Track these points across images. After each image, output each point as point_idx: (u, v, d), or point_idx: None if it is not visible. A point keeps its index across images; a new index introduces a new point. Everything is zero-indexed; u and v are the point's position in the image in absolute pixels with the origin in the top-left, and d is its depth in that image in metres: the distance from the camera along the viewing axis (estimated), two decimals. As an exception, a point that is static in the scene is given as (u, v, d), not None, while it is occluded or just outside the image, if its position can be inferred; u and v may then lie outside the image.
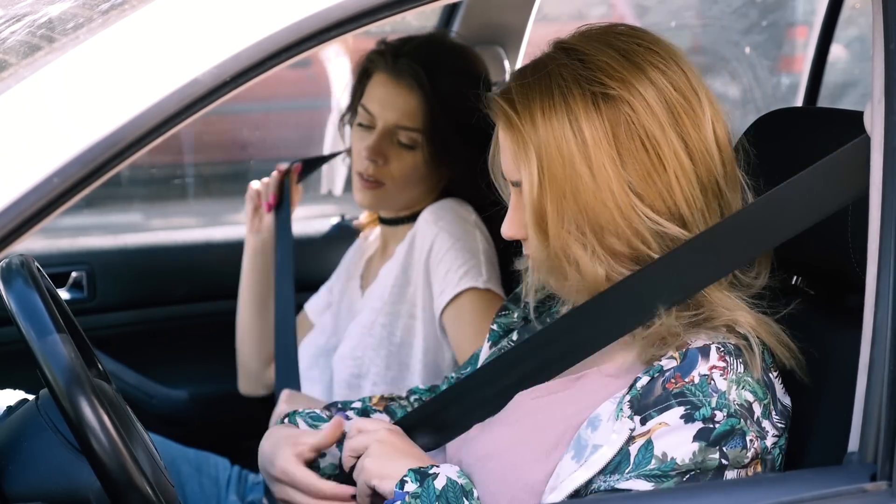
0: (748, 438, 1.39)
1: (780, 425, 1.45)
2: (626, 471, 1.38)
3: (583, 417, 1.47)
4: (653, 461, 1.38)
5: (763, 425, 1.42)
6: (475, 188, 1.81)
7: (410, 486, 1.46)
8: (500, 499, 1.49)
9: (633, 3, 6.44)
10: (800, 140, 1.66)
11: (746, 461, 1.40)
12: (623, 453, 1.40)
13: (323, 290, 2.59)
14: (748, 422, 1.40)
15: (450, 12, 2.88)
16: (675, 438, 1.38)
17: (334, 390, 2.39)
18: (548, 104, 1.46)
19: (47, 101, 1.24)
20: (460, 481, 1.47)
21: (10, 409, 1.63)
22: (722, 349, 1.43)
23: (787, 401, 1.48)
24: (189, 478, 2.43)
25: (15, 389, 1.97)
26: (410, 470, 1.48)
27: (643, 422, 1.40)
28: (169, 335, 2.93)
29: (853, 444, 1.36)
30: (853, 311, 1.45)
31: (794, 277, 1.67)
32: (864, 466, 1.33)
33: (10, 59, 1.38)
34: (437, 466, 1.48)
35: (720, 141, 1.49)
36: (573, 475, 1.41)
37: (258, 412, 2.87)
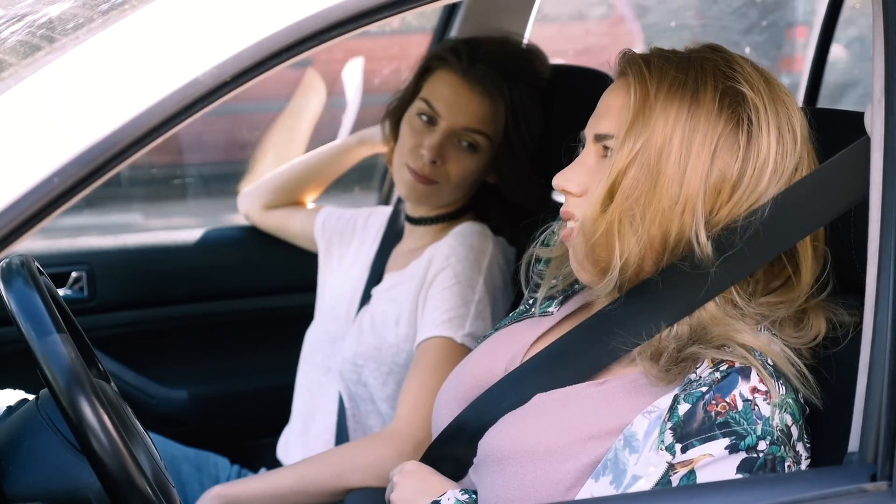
0: (786, 464, 1.39)
1: (808, 445, 1.44)
2: None
3: (607, 427, 1.45)
4: None
5: (797, 449, 1.41)
6: (514, 195, 1.82)
7: None
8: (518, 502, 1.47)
9: (633, 3, 6.44)
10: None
11: None
12: (662, 484, 1.38)
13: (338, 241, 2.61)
14: (787, 447, 1.39)
15: (450, 12, 2.88)
16: (719, 470, 1.37)
17: (331, 380, 2.40)
18: (678, 86, 1.47)
19: (47, 101, 1.24)
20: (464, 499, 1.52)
21: (10, 409, 1.63)
22: (764, 371, 1.40)
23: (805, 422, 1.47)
24: (189, 477, 2.43)
25: (15, 389, 1.97)
26: None
27: (684, 450, 1.38)
28: (169, 335, 2.93)
29: (853, 444, 1.36)
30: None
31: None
32: (864, 466, 1.33)
33: (10, 59, 1.38)
34: (444, 494, 1.55)
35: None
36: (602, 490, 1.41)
37: (258, 412, 2.88)
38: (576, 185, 1.53)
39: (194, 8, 1.27)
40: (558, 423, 1.49)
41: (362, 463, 2.09)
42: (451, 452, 1.63)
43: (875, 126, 1.37)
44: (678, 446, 1.38)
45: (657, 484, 1.38)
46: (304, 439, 2.45)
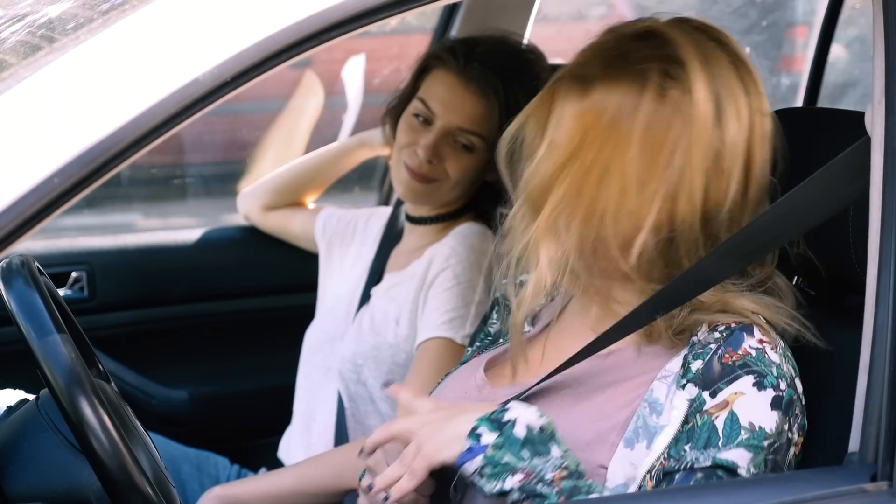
0: (797, 411, 1.43)
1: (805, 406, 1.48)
2: (720, 443, 1.38)
3: (622, 388, 1.47)
4: (742, 432, 1.39)
5: (803, 402, 1.46)
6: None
7: (488, 437, 1.37)
8: None
9: (633, 3, 6.44)
10: (800, 140, 1.66)
11: (797, 436, 1.43)
12: (708, 427, 1.39)
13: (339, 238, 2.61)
14: (797, 395, 1.44)
15: (450, 12, 2.88)
16: (756, 407, 1.40)
17: (331, 380, 2.40)
18: (627, 90, 1.45)
19: (47, 102, 1.24)
20: (541, 423, 1.39)
21: (10, 409, 1.63)
22: (763, 327, 1.46)
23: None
24: (189, 477, 2.43)
25: (15, 389, 1.97)
26: (481, 419, 1.38)
27: (713, 394, 1.41)
28: (169, 335, 2.93)
29: (853, 444, 1.36)
30: (854, 312, 1.45)
31: (795, 278, 1.67)
32: (864, 466, 1.33)
33: (10, 59, 1.38)
34: (508, 409, 1.39)
35: (752, 151, 1.49)
36: (644, 461, 1.42)
37: (258, 412, 2.88)
38: None
39: (194, 8, 1.27)
40: (580, 390, 1.50)
41: (362, 463, 2.09)
42: None
43: (875, 126, 1.37)
44: (706, 393, 1.41)
45: (686, 418, 1.40)
46: (306, 440, 2.45)
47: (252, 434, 2.85)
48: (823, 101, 3.21)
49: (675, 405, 1.43)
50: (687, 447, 1.40)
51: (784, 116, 1.81)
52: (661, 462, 1.41)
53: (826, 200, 1.44)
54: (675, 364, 1.46)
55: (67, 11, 1.43)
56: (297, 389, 2.53)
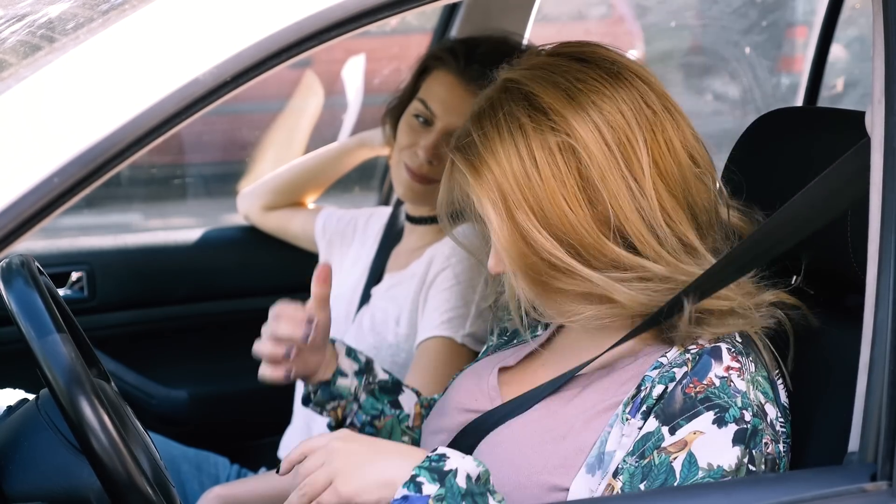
0: (764, 441, 1.40)
1: (784, 429, 1.45)
2: (675, 483, 1.36)
3: (588, 416, 1.47)
4: (700, 472, 1.37)
5: (776, 428, 1.43)
6: None
7: (430, 488, 1.32)
8: (505, 482, 1.46)
9: (633, 2, 6.45)
10: (799, 140, 1.66)
11: (765, 464, 1.40)
12: (665, 468, 1.37)
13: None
14: (764, 424, 1.41)
15: (450, 12, 2.88)
16: (715, 446, 1.37)
17: None
18: (510, 150, 1.46)
19: (47, 102, 1.24)
20: (478, 472, 1.36)
21: (10, 409, 1.63)
22: (732, 350, 1.43)
23: (785, 401, 1.48)
24: (189, 477, 2.43)
25: (15, 389, 1.97)
26: (419, 467, 1.34)
27: (672, 431, 1.39)
28: (169, 335, 2.93)
29: (853, 444, 1.36)
30: (853, 311, 1.45)
31: (794, 277, 1.67)
32: (864, 466, 1.33)
33: (10, 59, 1.38)
34: (446, 458, 1.35)
35: (678, 159, 1.47)
36: (599, 487, 1.41)
37: (258, 412, 2.88)
38: (501, 266, 1.54)
39: (194, 8, 1.27)
40: (552, 413, 1.51)
41: None
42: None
43: (875, 126, 1.37)
44: (665, 428, 1.39)
45: (643, 452, 1.38)
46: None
47: (252, 434, 2.85)
48: (823, 102, 3.21)
49: (624, 432, 1.42)
50: (642, 486, 1.38)
51: (784, 116, 1.82)
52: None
53: (827, 205, 1.43)
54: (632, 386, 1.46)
55: (67, 11, 1.43)
56: (298, 388, 2.52)
